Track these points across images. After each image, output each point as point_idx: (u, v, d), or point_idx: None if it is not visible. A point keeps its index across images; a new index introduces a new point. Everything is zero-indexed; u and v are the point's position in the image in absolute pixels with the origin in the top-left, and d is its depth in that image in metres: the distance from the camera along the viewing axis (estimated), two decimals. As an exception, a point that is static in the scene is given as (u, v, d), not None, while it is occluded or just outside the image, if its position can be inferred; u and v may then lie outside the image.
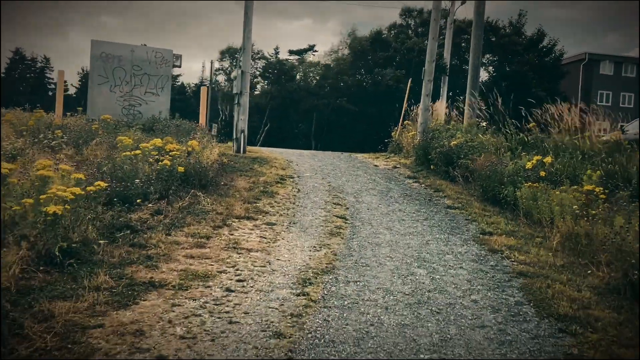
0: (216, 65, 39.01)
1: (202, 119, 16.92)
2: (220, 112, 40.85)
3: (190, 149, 8.76)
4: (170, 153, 7.72)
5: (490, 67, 42.93)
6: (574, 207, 7.96)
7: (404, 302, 5.04)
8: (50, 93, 48.80)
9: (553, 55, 42.67)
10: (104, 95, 13.79)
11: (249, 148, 17.22)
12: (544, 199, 9.02)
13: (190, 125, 12.31)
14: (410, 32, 43.05)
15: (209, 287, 4.99)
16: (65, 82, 22.45)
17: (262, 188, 10.03)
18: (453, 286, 5.59)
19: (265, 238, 6.80)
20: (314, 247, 6.65)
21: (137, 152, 7.62)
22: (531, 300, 5.30)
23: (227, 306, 4.60)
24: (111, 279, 4.85)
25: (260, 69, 38.90)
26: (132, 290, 4.73)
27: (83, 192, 5.39)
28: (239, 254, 5.98)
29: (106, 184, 6.27)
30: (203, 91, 16.91)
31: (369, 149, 36.44)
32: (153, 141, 8.25)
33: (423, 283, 5.63)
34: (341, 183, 11.81)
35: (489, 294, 5.45)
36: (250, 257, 5.96)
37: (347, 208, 9.33)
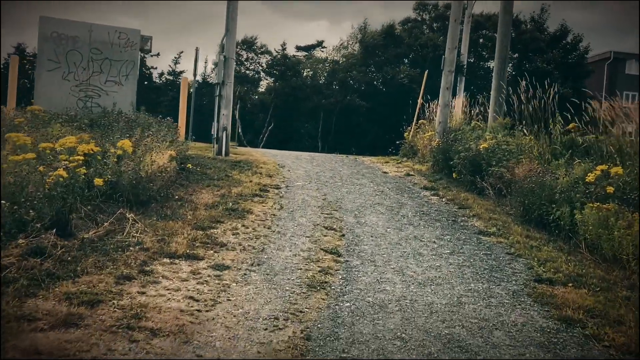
0: (210, 58, 36.57)
1: (182, 115, 14.40)
2: (222, 111, 38.39)
3: (120, 151, 6.23)
4: (72, 158, 5.17)
5: (510, 65, 40.13)
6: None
7: None
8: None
9: (578, 52, 39.76)
10: (55, 83, 11.34)
11: (238, 150, 14.70)
12: (620, 227, 6.38)
13: (152, 120, 9.77)
14: (424, 27, 40.38)
15: None
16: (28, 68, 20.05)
17: (230, 204, 7.47)
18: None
19: (197, 300, 4.21)
20: (276, 317, 4.04)
21: (30, 155, 5.08)
22: None
23: None
24: None
25: (263, 65, 36.37)
26: None
27: None
28: (132, 342, 3.38)
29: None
30: (183, 83, 14.40)
31: (380, 151, 33.74)
32: (63, 140, 5.74)
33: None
34: (340, 196, 9.23)
35: None
36: (147, 352, 3.36)
37: (343, 235, 6.75)
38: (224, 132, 12.28)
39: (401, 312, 4.39)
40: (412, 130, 14.94)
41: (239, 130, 35.58)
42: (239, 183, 9.12)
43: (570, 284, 5.45)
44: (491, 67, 40.55)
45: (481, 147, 10.32)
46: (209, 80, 40.92)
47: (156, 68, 45.66)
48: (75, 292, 3.97)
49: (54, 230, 4.74)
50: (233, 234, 6.20)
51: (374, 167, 13.18)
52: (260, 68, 35.90)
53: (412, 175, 11.87)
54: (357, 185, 10.32)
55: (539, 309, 4.74)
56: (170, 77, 39.67)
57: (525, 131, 10.86)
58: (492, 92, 14.84)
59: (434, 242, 6.89)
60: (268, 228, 6.63)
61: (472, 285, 5.28)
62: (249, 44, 34.90)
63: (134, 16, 73.90)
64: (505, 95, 14.67)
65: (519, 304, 4.84)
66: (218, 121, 12.40)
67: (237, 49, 34.53)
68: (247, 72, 35.62)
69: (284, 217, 7.31)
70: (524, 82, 11.83)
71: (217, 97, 12.48)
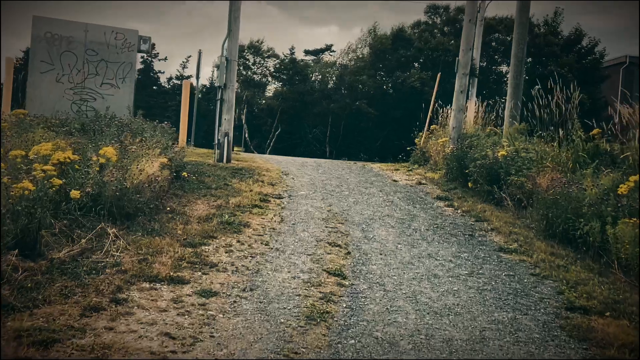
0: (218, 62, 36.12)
1: (184, 119, 13.83)
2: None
3: (103, 160, 5.62)
4: (43, 167, 4.55)
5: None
6: None
7: None
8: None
9: (593, 56, 38.89)
10: (49, 86, 10.80)
11: (241, 156, 14.10)
12: (660, 246, 5.68)
13: (147, 126, 9.15)
14: (435, 30, 39.69)
15: None
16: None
17: (226, 217, 6.84)
18: None
19: (173, 337, 3.56)
20: None
21: (-5, 165, 4.48)
22: None
23: None
24: None
25: (271, 69, 35.80)
26: None
27: None
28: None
29: None
30: (185, 86, 13.83)
31: (390, 158, 33.04)
32: (37, 147, 5.14)
33: None
34: (346, 206, 8.58)
35: None
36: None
37: (349, 252, 6.09)
38: (226, 137, 11.68)
39: (415, 352, 3.73)
40: (423, 136, 14.27)
41: (246, 135, 35.06)
42: (238, 192, 8.50)
43: (607, 313, 4.76)
44: (503, 71, 39.74)
45: (499, 154, 9.63)
46: (216, 84, 40.49)
47: (164, 72, 45.29)
48: (29, 328, 3.35)
49: (17, 250, 4.12)
50: (226, 252, 5.57)
51: (383, 174, 12.51)
52: (268, 72, 35.37)
53: (424, 184, 11.19)
54: (365, 195, 9.66)
55: (576, 346, 4.06)
56: (178, 82, 39.29)
57: (545, 137, 10.16)
58: (507, 96, 14.17)
59: (450, 260, 6.22)
60: (265, 244, 5.98)
61: (495, 314, 4.61)
62: (255, 47, 34.39)
63: (145, 20, 73.78)
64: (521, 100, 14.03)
65: (552, 340, 4.17)
66: (219, 126, 11.79)
67: (244, 53, 34.02)
68: (254, 76, 35.13)
69: (284, 232, 6.67)
70: (537, 87, 11.18)
71: (219, 101, 11.88)
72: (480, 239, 7.39)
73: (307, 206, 8.34)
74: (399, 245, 6.63)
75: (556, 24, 39.45)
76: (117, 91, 11.21)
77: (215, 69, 11.72)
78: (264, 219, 7.18)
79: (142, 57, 47.52)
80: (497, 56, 38.26)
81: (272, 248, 5.90)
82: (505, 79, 39.81)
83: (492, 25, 36.41)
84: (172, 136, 9.77)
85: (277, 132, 34.89)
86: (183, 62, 45.66)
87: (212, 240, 5.88)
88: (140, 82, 47.14)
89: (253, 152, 34.99)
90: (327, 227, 7.15)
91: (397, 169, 13.46)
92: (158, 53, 45.67)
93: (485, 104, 14.83)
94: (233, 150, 13.55)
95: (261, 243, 6.02)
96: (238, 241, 5.99)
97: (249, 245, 5.87)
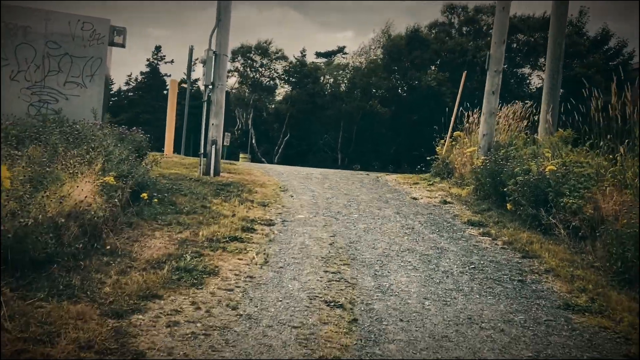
0: (228, 66, 34.33)
1: (170, 126, 12.05)
2: (237, 120, 36.25)
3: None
4: None
5: (544, 72, 37.23)
6: None
7: None
8: None
9: (621, 57, 36.64)
10: (1, 85, 9.09)
11: (236, 167, 12.26)
12: None
13: (101, 133, 7.28)
14: (453, 31, 37.72)
15: None
16: None
17: (187, 259, 4.98)
18: None
19: None
20: None
21: None
22: None
23: None
24: None
25: (279, 71, 34.01)
26: None
27: None
28: None
29: None
30: (172, 86, 12.04)
31: (405, 166, 31.05)
32: None
33: None
34: (355, 236, 6.70)
35: None
36: None
37: (355, 320, 4.19)
38: (214, 146, 9.83)
39: None
40: (446, 144, 12.32)
41: (253, 141, 33.32)
42: (216, 218, 6.63)
43: None
44: (526, 73, 37.68)
45: (546, 169, 7.68)
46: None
47: (170, 75, 43.82)
48: None
49: None
50: (168, 325, 3.70)
51: (400, 190, 10.60)
52: (276, 75, 33.58)
53: (449, 202, 9.26)
54: (378, 219, 7.76)
55: None
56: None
57: (601, 148, 8.20)
58: (543, 98, 12.20)
59: (502, 329, 4.30)
60: (233, 309, 4.10)
61: None
62: (263, 49, 32.62)
63: (154, 23, 72.57)
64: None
65: None
66: (206, 133, 9.96)
67: (251, 54, 32.33)
68: (262, 78, 33.39)
69: (266, 282, 4.79)
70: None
71: (205, 103, 10.06)
72: (534, 286, 5.46)
73: (303, 237, 6.45)
74: (427, 303, 4.72)
75: (581, 24, 37.30)
76: (84, 91, 9.42)
77: (202, 65, 9.90)
78: (241, 260, 5.30)
79: (149, 60, 45.92)
80: (518, 58, 36.20)
81: (241, 315, 4.01)
82: (527, 81, 37.75)
83: (514, 24, 34.32)
84: (141, 145, 7.94)
85: (285, 138, 33.12)
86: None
87: (153, 303, 4.01)
88: (146, 84, 45.74)
89: (261, 159, 33.24)
90: (327, 271, 5.25)
91: (416, 183, 11.53)
92: (165, 56, 44.12)
93: (513, 108, 12.85)
94: (238, 159, 11.74)
95: (227, 306, 4.14)
96: (193, 303, 4.12)
97: (206, 311, 4.00)
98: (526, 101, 12.78)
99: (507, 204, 8.22)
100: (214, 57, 9.80)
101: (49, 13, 9.36)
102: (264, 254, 5.57)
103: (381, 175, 13.34)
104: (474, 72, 30.45)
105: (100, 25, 9.52)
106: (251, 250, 5.61)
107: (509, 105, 12.37)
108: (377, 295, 4.77)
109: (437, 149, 12.74)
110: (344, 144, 32.72)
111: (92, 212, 4.84)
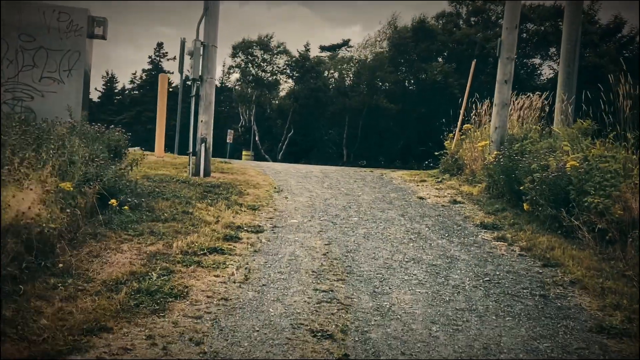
0: (229, 62, 33.55)
1: (161, 123, 11.35)
2: (240, 117, 35.53)
3: None
4: None
5: (556, 62, 36.11)
6: None
7: None
8: None
9: (635, 45, 35.51)
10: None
11: (230, 165, 11.53)
12: None
13: (65, 131, 6.54)
14: (460, 21, 36.74)
15: None
16: None
17: (154, 278, 4.26)
18: None
19: None
20: None
21: None
22: None
23: None
24: None
25: (281, 66, 33.16)
26: None
27: None
28: None
29: None
30: (162, 81, 11.32)
31: (412, 161, 30.18)
32: None
33: None
34: (353, 243, 5.95)
35: None
36: None
37: (346, 356, 3.44)
38: (203, 144, 9.11)
39: None
40: (455, 138, 11.52)
41: (256, 138, 32.59)
42: (197, 226, 5.91)
43: None
44: (536, 64, 36.65)
45: (568, 165, 6.88)
46: (226, 84, 38.03)
47: (172, 72, 43.12)
48: None
49: None
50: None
51: (405, 188, 9.84)
52: (278, 70, 32.75)
53: (460, 202, 8.49)
54: (381, 223, 7.01)
55: None
56: (188, 82, 37.15)
57: (629, 140, 7.39)
58: (558, 87, 11.36)
59: (526, 363, 3.54)
60: (197, 344, 3.36)
61: None
62: (263, 44, 31.76)
63: (160, 20, 72.03)
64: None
65: None
66: (195, 131, 9.23)
67: (252, 50, 31.54)
68: (264, 74, 32.58)
69: (243, 306, 4.05)
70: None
71: (194, 98, 9.32)
72: (559, 302, 4.69)
73: (294, 246, 5.71)
74: (434, 328, 3.97)
75: (593, 12, 36.21)
76: (62, 87, 8.73)
77: (189, 57, 9.17)
78: (218, 277, 4.57)
79: (151, 57, 45.13)
80: (528, 48, 35.17)
81: (205, 352, 3.27)
82: (538, 72, 36.73)
83: (524, 13, 33.27)
84: (119, 144, 7.23)
85: (289, 134, 32.36)
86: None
87: (100, 338, 3.28)
88: (148, 82, 45.09)
89: (265, 157, 32.50)
90: (317, 289, 4.51)
91: (424, 180, 10.76)
92: (167, 52, 43.41)
93: (526, 98, 12.00)
94: (240, 157, 11.05)
95: (190, 340, 3.40)
96: (149, 337, 3.39)
97: (163, 348, 3.26)
98: (537, 93, 11.94)
99: (524, 204, 7.43)
100: (201, 48, 9.06)
101: (22, 3, 8.66)
102: (246, 268, 4.83)
103: (386, 172, 12.57)
104: (482, 64, 29.55)
105: (77, 16, 8.82)
106: (231, 265, 4.88)
107: (520, 96, 11.53)
108: (375, 320, 4.02)
109: (446, 143, 11.94)
110: (349, 139, 31.93)
111: (42, 225, 4.12)
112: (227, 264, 4.90)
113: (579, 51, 11.73)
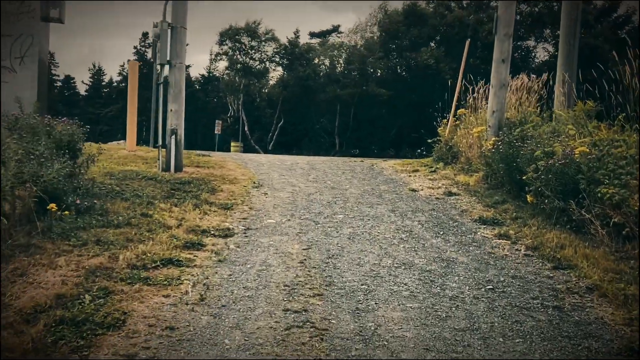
0: (215, 49, 32.54)
1: (132, 113, 10.52)
2: (229, 107, 34.63)
3: None
4: None
5: (551, 44, 35.29)
6: None
7: None
8: None
9: (631, 25, 34.76)
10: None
11: (208, 158, 10.70)
12: None
13: (20, 125, 5.77)
14: (452, 4, 35.81)
15: None
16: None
17: (87, 301, 3.49)
18: None
19: None
20: None
21: None
22: None
23: None
24: None
25: (270, 54, 32.19)
26: None
27: None
28: None
29: None
30: (131, 68, 10.49)
31: (406, 149, 29.41)
32: None
33: None
34: (336, 247, 5.19)
35: None
36: None
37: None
38: (174, 137, 8.30)
39: None
40: (449, 124, 10.74)
41: (245, 129, 31.70)
42: (154, 231, 5.13)
43: None
44: (530, 46, 35.79)
45: (577, 151, 6.12)
46: (214, 73, 37.05)
47: (189, 67, 42.07)
48: None
49: None
50: None
51: (397, 179, 9.07)
52: (267, 58, 31.79)
53: (456, 194, 7.73)
54: (368, 220, 6.25)
55: None
56: (201, 79, 36.47)
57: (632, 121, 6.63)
58: (557, 67, 10.58)
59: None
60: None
61: None
62: (251, 30, 30.75)
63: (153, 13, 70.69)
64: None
65: None
66: (164, 121, 8.42)
67: (239, 37, 30.58)
68: (252, 62, 31.61)
69: (192, 337, 3.28)
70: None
71: (161, 85, 8.50)
72: (576, 316, 3.94)
73: (267, 253, 4.94)
74: (428, 357, 3.21)
75: (588, -9, 35.37)
76: (14, 77, 7.91)
77: (156, 39, 8.33)
78: (168, 297, 3.79)
79: (136, 47, 44.10)
80: (522, 30, 34.30)
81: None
82: (533, 54, 35.90)
83: (516, -6, 32.46)
84: (73, 139, 6.42)
85: (279, 124, 31.49)
86: (211, 57, 40.96)
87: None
88: (145, 75, 44.06)
89: (255, 147, 31.63)
90: (288, 309, 3.74)
91: (416, 170, 10.01)
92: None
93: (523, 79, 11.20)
94: (229, 149, 10.29)
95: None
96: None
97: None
98: (532, 76, 11.15)
99: (527, 195, 6.67)
100: (169, 30, 8.23)
101: (-34, -16, 7.80)
102: (204, 284, 4.06)
103: (377, 162, 11.79)
104: (473, 48, 28.75)
105: (30, -3, 7.96)
106: (187, 280, 4.11)
107: (518, 77, 10.73)
108: (357, 349, 3.26)
109: (439, 129, 11.17)
110: (341, 128, 31.11)
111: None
112: (182, 279, 4.13)
113: (579, 28, 10.95)
